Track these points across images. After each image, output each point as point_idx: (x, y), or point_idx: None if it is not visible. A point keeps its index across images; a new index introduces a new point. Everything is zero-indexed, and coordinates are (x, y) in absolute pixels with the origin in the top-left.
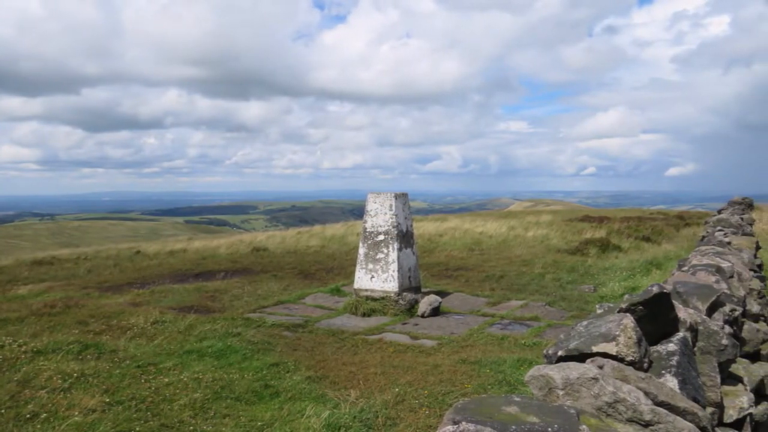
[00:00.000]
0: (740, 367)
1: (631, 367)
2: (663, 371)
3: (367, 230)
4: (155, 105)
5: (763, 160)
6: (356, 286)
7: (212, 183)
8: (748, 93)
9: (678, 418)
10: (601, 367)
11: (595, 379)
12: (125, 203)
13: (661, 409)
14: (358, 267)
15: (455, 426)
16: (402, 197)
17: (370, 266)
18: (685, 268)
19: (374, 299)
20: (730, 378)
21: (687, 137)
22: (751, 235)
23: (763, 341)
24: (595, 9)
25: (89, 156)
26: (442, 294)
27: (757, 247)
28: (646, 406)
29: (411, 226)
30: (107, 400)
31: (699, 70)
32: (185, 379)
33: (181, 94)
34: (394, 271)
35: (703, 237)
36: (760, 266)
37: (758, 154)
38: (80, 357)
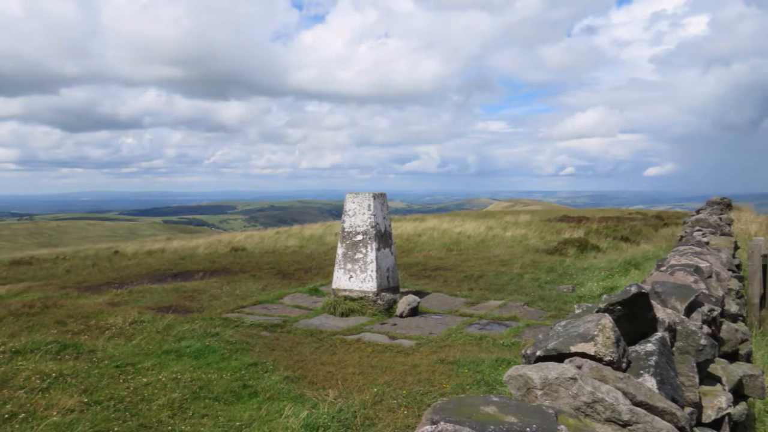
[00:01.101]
0: (719, 367)
1: (609, 367)
2: (641, 371)
3: (346, 230)
4: (134, 105)
5: (741, 160)
6: (335, 286)
7: (191, 183)
8: (726, 93)
9: (656, 418)
10: (579, 367)
11: (574, 379)
12: (104, 203)
13: (639, 409)
14: (336, 267)
15: (434, 426)
16: (380, 197)
17: (349, 266)
18: (664, 268)
19: (353, 299)
20: (708, 378)
21: (666, 137)
22: (730, 235)
23: (742, 341)
24: (574, 9)
25: (68, 156)
26: (420, 294)
27: (736, 247)
28: (624, 406)
29: (389, 226)
30: (86, 400)
31: (678, 70)
32: (163, 379)
33: (160, 94)
34: (372, 271)
35: (682, 237)
36: (738, 266)
37: (737, 154)
38: (59, 357)
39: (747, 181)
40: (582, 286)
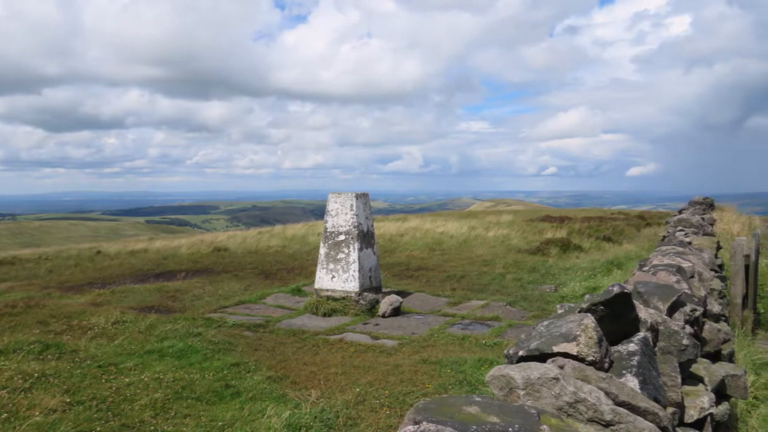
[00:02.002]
0: (701, 367)
1: (591, 367)
2: (624, 371)
3: (328, 230)
4: (116, 105)
5: (723, 160)
6: (317, 286)
7: (173, 183)
8: (708, 93)
9: (639, 418)
10: (561, 367)
11: (556, 379)
12: (86, 203)
13: (621, 409)
14: (319, 267)
15: (416, 426)
16: (363, 197)
17: (331, 266)
18: (646, 268)
19: (335, 299)
20: (690, 378)
21: (648, 137)
22: (712, 235)
23: (724, 341)
24: (556, 9)
25: (50, 156)
26: (402, 294)
27: (718, 247)
28: (606, 406)
29: (372, 226)
30: (68, 400)
31: (660, 70)
32: (146, 379)
33: (142, 94)
34: (354, 271)
35: (664, 237)
36: (720, 266)
37: (719, 154)
38: (41, 357)
39: (729, 181)
40: (564, 286)
